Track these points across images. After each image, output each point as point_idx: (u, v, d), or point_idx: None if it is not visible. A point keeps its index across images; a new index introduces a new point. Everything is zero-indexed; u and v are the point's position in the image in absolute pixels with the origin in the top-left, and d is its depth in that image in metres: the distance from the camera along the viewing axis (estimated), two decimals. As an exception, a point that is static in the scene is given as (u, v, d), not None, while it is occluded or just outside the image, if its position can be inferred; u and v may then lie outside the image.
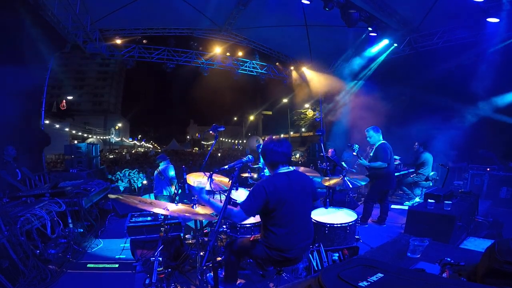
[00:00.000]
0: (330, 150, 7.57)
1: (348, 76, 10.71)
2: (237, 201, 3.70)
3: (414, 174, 6.56)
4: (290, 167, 2.30)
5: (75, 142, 28.24)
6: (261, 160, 2.57)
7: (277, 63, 12.17)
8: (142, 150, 40.64)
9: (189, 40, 10.55)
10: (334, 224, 3.06)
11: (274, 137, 2.40)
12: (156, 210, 2.09)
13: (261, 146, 6.87)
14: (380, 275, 0.88)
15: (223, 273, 2.49)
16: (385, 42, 8.58)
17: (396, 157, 6.84)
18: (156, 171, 5.61)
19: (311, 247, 2.85)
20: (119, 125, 46.43)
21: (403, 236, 2.53)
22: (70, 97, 36.88)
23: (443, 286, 0.87)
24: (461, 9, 6.83)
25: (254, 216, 2.14)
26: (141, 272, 3.09)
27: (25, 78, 6.59)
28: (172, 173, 5.47)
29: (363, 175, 4.36)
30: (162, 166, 5.54)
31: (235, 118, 49.02)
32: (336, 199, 5.20)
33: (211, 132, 3.72)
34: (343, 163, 7.04)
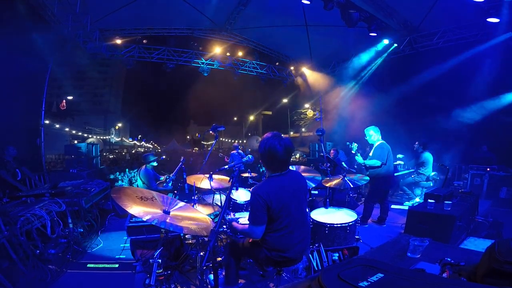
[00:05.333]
0: (332, 151, 7.59)
1: (348, 76, 10.72)
2: (237, 201, 3.71)
3: (415, 174, 6.56)
4: (292, 166, 2.27)
5: (75, 142, 28.24)
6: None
7: (277, 63, 12.18)
8: (142, 150, 40.60)
9: (189, 40, 10.56)
10: (334, 224, 3.05)
11: (274, 134, 2.14)
12: (148, 217, 1.97)
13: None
14: (380, 275, 0.88)
15: (223, 274, 2.48)
16: (385, 42, 8.59)
17: (399, 155, 6.84)
18: None
19: (311, 247, 2.85)
20: (119, 125, 46.39)
21: (403, 236, 2.52)
22: (70, 97, 36.82)
23: (443, 286, 0.87)
24: (461, 9, 6.83)
25: (265, 225, 2.07)
26: (141, 272, 3.09)
27: (25, 78, 6.59)
28: None
29: (363, 174, 4.36)
30: None
31: (235, 118, 48.98)
32: (336, 199, 5.20)
33: (211, 132, 3.72)
34: (343, 163, 7.05)
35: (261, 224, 2.04)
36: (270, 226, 2.09)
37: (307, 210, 2.58)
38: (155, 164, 5.25)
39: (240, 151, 8.73)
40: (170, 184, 5.23)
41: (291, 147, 2.11)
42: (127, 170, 8.53)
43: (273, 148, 2.05)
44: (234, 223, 2.41)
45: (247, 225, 2.14)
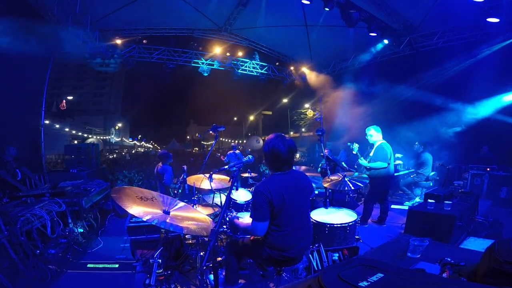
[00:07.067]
0: (326, 151, 7.57)
1: (348, 76, 10.71)
2: (237, 201, 3.71)
3: (415, 174, 6.55)
4: (294, 167, 2.27)
5: (75, 142, 28.23)
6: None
7: (277, 63, 12.18)
8: (142, 150, 40.60)
9: (189, 40, 10.57)
10: (334, 224, 3.05)
11: (278, 135, 2.21)
12: (148, 217, 1.93)
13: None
14: (380, 275, 0.88)
15: (224, 273, 2.48)
16: (385, 42, 8.58)
17: (398, 155, 6.84)
18: None
19: (311, 247, 2.85)
20: (119, 125, 46.39)
21: (403, 236, 2.53)
22: (70, 97, 36.82)
23: (443, 286, 0.87)
24: (461, 9, 6.83)
25: (268, 221, 2.10)
26: (141, 272, 3.09)
27: (25, 78, 6.59)
28: None
29: (362, 173, 4.35)
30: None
31: (235, 118, 48.96)
32: (336, 199, 5.19)
33: (211, 132, 3.72)
34: (343, 163, 7.04)
35: (264, 220, 2.07)
36: (271, 224, 2.11)
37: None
38: (171, 161, 5.29)
39: (237, 151, 8.74)
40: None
41: (294, 147, 2.18)
42: (125, 172, 8.53)
43: (276, 148, 2.11)
44: (236, 220, 2.42)
45: (250, 223, 2.16)
